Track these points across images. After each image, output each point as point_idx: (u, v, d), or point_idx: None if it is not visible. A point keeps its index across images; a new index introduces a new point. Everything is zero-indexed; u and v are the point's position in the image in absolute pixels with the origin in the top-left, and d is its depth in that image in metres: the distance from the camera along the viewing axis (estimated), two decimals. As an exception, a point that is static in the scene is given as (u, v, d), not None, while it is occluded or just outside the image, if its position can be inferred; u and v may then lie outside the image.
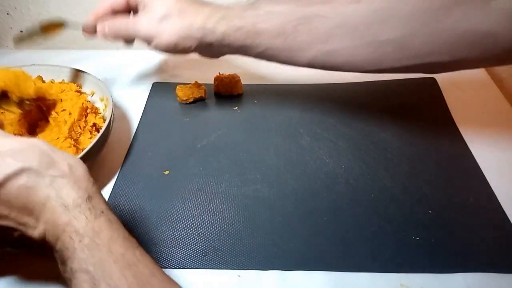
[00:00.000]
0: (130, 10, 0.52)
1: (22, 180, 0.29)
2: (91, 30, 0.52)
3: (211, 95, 0.66)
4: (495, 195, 0.47)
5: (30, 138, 0.32)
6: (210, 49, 0.48)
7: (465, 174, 0.50)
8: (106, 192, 0.50)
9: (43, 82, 0.61)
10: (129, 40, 0.52)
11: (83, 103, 0.55)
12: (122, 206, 0.48)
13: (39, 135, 0.52)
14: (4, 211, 0.30)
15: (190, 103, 0.64)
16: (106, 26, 0.50)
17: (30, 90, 0.47)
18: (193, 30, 0.46)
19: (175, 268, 0.41)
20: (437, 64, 0.40)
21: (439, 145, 0.54)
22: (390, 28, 0.39)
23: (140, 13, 0.49)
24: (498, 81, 0.67)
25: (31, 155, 0.30)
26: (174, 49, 0.47)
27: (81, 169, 0.32)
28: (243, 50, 0.47)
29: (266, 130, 0.58)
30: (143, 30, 0.48)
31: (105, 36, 0.50)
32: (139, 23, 0.48)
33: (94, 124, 0.54)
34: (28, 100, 0.47)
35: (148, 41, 0.48)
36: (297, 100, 0.64)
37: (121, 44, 0.53)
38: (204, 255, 0.42)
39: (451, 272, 0.39)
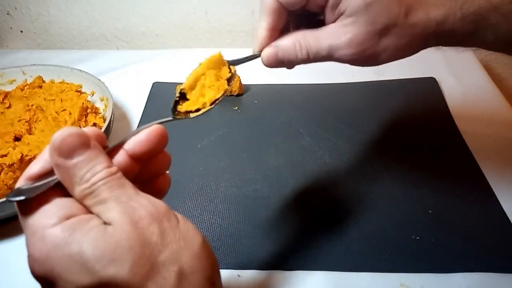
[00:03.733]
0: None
1: None
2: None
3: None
4: (495, 195, 0.47)
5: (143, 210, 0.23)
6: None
7: (465, 174, 0.50)
8: (106, 192, 0.50)
9: (43, 82, 0.61)
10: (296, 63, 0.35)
11: (83, 103, 0.54)
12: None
13: (39, 135, 0.52)
14: None
15: (190, 103, 0.64)
16: (283, 48, 0.34)
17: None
18: (426, 35, 0.33)
19: (175, 268, 0.41)
20: None
21: (439, 145, 0.54)
22: None
23: (337, 25, 0.33)
24: (498, 81, 0.67)
25: (124, 258, 0.22)
26: (398, 59, 0.35)
27: (200, 275, 0.24)
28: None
29: (266, 130, 0.58)
30: (349, 54, 0.32)
31: (277, 62, 0.34)
32: (338, 43, 0.32)
33: (94, 124, 0.54)
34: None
35: (356, 63, 0.34)
36: (297, 100, 0.64)
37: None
38: (204, 255, 0.42)
39: (451, 272, 0.39)
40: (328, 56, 0.33)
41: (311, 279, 0.40)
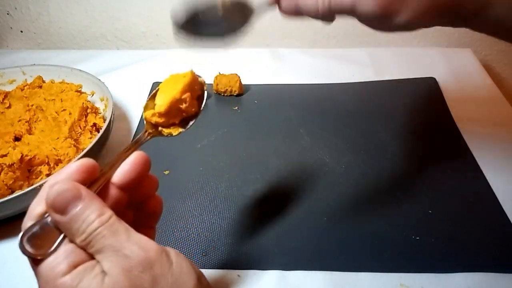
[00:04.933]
0: None
1: None
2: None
3: (211, 95, 0.66)
4: (495, 195, 0.47)
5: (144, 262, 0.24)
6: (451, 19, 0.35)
7: (465, 174, 0.50)
8: (106, 192, 0.50)
9: (43, 82, 0.61)
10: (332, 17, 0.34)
11: (83, 103, 0.55)
12: (122, 206, 0.48)
13: (39, 135, 0.52)
14: None
15: (190, 103, 0.64)
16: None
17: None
18: (447, 2, 0.33)
19: (175, 268, 0.41)
20: None
21: (439, 145, 0.54)
22: None
23: None
24: (498, 81, 0.67)
25: None
26: (410, 29, 0.34)
27: None
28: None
29: (266, 130, 0.58)
30: (372, 10, 0.32)
31: (297, 13, 0.33)
32: None
33: (94, 124, 0.54)
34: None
35: (377, 20, 0.33)
36: (297, 100, 0.64)
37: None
38: (204, 255, 0.42)
39: (451, 272, 0.39)
40: (350, 10, 0.32)
41: (311, 279, 0.40)
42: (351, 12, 0.33)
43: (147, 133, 0.33)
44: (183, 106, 0.33)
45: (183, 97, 0.33)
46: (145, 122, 0.33)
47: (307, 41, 0.81)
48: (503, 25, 0.35)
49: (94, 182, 0.27)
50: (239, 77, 0.65)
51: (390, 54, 0.74)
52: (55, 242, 0.25)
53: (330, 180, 0.50)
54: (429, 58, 0.73)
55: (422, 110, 0.61)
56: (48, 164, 0.47)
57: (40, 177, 0.46)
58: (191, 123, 0.35)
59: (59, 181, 0.25)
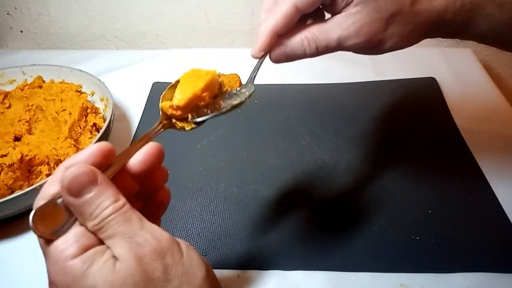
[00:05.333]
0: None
1: None
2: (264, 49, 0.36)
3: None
4: (495, 195, 0.47)
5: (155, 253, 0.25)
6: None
7: (465, 174, 0.50)
8: (106, 192, 0.50)
9: (43, 82, 0.61)
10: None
11: (83, 103, 0.55)
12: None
13: (39, 135, 0.52)
14: None
15: (190, 103, 0.64)
16: (291, 45, 0.34)
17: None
18: (429, 24, 0.34)
19: (175, 268, 0.41)
20: None
21: (439, 145, 0.54)
22: None
23: (345, 15, 0.33)
24: (498, 81, 0.67)
25: None
26: (401, 48, 0.35)
27: None
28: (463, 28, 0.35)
29: (266, 130, 0.58)
30: (357, 43, 0.33)
31: (286, 58, 0.36)
32: (347, 33, 0.32)
33: (94, 124, 0.54)
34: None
35: (363, 51, 0.35)
36: (297, 100, 0.64)
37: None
38: (204, 255, 0.42)
39: (451, 272, 0.39)
40: (337, 47, 0.34)
41: (311, 279, 0.40)
42: (338, 49, 0.34)
43: (161, 125, 0.33)
44: (201, 104, 0.34)
45: (203, 95, 0.33)
46: (160, 113, 0.33)
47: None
48: (490, 38, 0.36)
49: (109, 167, 0.27)
50: (239, 77, 0.64)
51: (390, 54, 0.73)
52: (66, 223, 0.24)
53: (330, 180, 0.50)
54: (429, 58, 0.73)
55: (422, 110, 0.61)
56: (48, 164, 0.47)
57: (40, 177, 0.46)
58: (204, 118, 0.35)
59: (75, 163, 0.25)
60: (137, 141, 0.29)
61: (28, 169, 0.46)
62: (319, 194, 0.48)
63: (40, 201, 0.25)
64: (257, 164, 0.52)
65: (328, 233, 0.44)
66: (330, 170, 0.51)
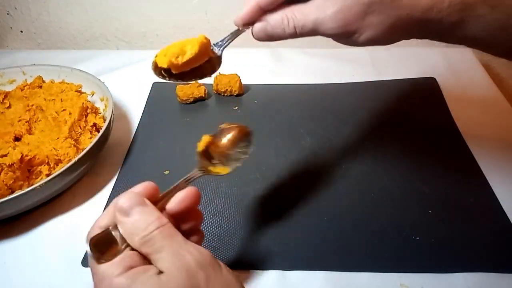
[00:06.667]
0: None
1: None
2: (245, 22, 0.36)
3: (211, 95, 0.66)
4: (495, 195, 0.47)
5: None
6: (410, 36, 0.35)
7: (465, 174, 0.50)
8: (106, 192, 0.50)
9: (43, 82, 0.61)
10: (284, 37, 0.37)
11: (83, 103, 0.55)
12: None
13: (39, 135, 0.52)
14: None
15: (190, 103, 0.64)
16: (271, 21, 0.34)
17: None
18: (411, 21, 0.32)
19: (175, 268, 0.41)
20: None
21: (439, 145, 0.54)
22: None
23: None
24: (498, 81, 0.67)
25: None
26: (379, 43, 0.35)
27: None
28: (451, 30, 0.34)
29: (266, 130, 0.58)
30: (334, 28, 0.33)
31: (266, 35, 0.35)
32: (324, 16, 0.32)
33: (94, 124, 0.54)
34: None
35: (340, 37, 0.35)
36: (297, 100, 0.64)
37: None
38: (204, 255, 0.42)
39: (451, 272, 0.39)
40: (313, 30, 0.34)
41: (311, 279, 0.40)
42: (314, 32, 0.34)
43: (198, 171, 0.36)
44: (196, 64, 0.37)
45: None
46: (197, 159, 0.37)
47: (307, 41, 0.80)
48: (482, 41, 0.35)
49: (156, 202, 0.30)
50: (239, 77, 0.65)
51: (390, 54, 0.74)
52: (115, 251, 0.28)
53: (330, 180, 0.50)
54: (429, 58, 0.73)
55: (422, 110, 0.61)
56: (48, 164, 0.47)
57: (40, 177, 0.46)
58: (238, 164, 0.37)
59: (126, 193, 0.29)
60: (177, 185, 0.33)
61: (28, 169, 0.46)
62: (319, 194, 0.48)
63: (94, 230, 0.29)
64: (257, 164, 0.52)
65: (328, 233, 0.44)
66: (330, 170, 0.51)
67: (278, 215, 0.46)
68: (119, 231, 0.28)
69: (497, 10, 0.32)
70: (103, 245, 0.28)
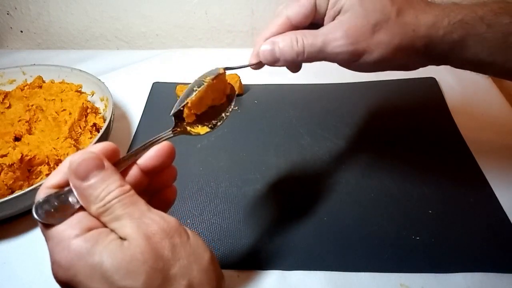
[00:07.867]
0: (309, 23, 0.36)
1: None
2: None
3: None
4: (495, 195, 0.47)
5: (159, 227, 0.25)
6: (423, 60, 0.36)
7: (465, 174, 0.50)
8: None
9: (43, 82, 0.61)
10: (299, 64, 0.39)
11: (83, 103, 0.55)
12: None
13: (39, 135, 0.52)
14: None
15: (190, 103, 0.64)
16: (280, 42, 0.34)
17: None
18: (417, 38, 0.33)
19: (175, 268, 0.41)
20: None
21: (439, 145, 0.54)
22: None
23: (334, 22, 0.34)
24: (498, 81, 0.67)
25: (139, 270, 0.23)
26: (387, 67, 0.36)
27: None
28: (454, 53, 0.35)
29: (266, 130, 0.58)
30: (343, 46, 0.33)
31: (273, 56, 0.35)
32: (333, 36, 0.33)
33: (94, 124, 0.54)
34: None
35: (350, 59, 0.35)
36: (297, 100, 0.64)
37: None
38: (204, 255, 0.42)
39: (451, 272, 0.39)
40: (321, 50, 0.34)
41: (311, 279, 0.40)
42: (322, 52, 0.34)
43: (173, 131, 0.33)
44: (216, 104, 0.36)
45: (210, 96, 0.35)
46: (173, 119, 0.34)
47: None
48: (483, 63, 0.35)
49: (116, 164, 0.28)
50: (239, 77, 0.65)
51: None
52: (68, 212, 0.25)
53: (330, 180, 0.50)
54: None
55: (422, 110, 0.61)
56: (48, 164, 0.47)
57: (40, 177, 0.46)
58: (219, 124, 0.36)
59: (82, 153, 0.26)
60: (148, 142, 0.30)
61: (28, 169, 0.46)
62: (319, 194, 0.48)
63: (43, 189, 0.26)
64: (257, 164, 0.52)
65: (328, 233, 0.44)
66: (330, 170, 0.51)
67: (278, 215, 0.46)
68: (73, 194, 0.25)
69: (494, 29, 0.33)
70: (54, 207, 0.25)
